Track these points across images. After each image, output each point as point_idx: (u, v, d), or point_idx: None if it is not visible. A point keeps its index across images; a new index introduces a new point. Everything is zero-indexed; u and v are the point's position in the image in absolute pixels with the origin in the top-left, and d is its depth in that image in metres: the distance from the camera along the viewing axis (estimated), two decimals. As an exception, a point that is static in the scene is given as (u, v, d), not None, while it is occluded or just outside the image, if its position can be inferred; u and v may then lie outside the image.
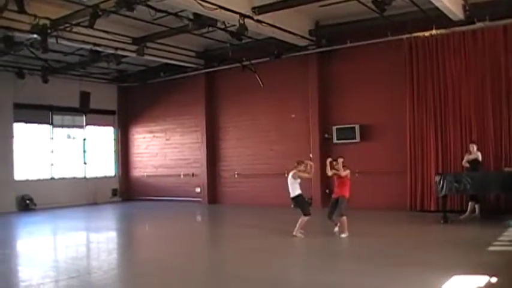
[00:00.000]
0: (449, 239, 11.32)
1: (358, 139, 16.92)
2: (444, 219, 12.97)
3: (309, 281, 7.98)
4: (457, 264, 8.53)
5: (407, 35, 15.54)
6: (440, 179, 13.13)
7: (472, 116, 14.74)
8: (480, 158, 13.54)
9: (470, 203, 13.79)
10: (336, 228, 11.71)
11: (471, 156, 13.58)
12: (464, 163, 13.76)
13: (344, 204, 11.61)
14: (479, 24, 14.34)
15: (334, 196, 11.97)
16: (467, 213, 13.75)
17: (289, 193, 12.08)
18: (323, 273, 8.34)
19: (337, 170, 11.91)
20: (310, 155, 17.65)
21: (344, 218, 11.51)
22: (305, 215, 11.75)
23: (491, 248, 9.87)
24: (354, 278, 8.01)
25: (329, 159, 12.32)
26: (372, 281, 7.74)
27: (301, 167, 12.14)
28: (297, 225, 11.72)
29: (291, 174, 12.07)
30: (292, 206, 12.39)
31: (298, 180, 11.97)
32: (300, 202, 11.92)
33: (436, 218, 13.43)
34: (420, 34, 15.39)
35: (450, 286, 7.10)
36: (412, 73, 15.69)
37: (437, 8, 13.25)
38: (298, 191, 11.89)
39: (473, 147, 13.68)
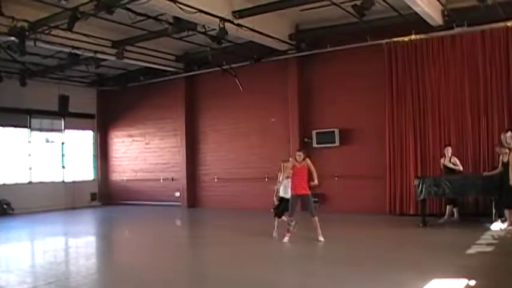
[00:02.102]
0: (428, 243, 11.38)
1: (337, 143, 16.98)
2: (423, 223, 13.05)
3: (287, 284, 7.97)
4: (436, 267, 8.57)
5: (387, 40, 15.65)
6: (419, 183, 13.21)
7: (451, 120, 14.88)
8: (458, 168, 13.68)
9: (448, 207, 13.92)
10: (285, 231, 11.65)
11: (450, 165, 13.70)
12: (445, 164, 13.87)
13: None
14: (457, 30, 14.48)
15: (296, 193, 11.46)
16: (445, 216, 13.87)
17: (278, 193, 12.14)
18: (301, 276, 8.34)
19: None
20: (290, 159, 17.64)
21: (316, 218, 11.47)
22: (291, 216, 11.57)
23: (469, 251, 9.92)
24: (333, 282, 7.99)
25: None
26: (350, 284, 7.75)
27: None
28: (291, 227, 11.54)
29: (286, 175, 11.84)
30: (275, 207, 12.16)
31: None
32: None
33: (415, 221, 13.50)
34: (399, 39, 15.50)
35: (429, 289, 7.14)
36: (391, 77, 15.78)
37: (416, 13, 13.38)
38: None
39: (448, 151, 13.82)
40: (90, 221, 19.35)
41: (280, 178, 12.12)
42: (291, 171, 11.60)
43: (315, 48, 17.08)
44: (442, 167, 13.98)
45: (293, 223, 11.63)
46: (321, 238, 11.33)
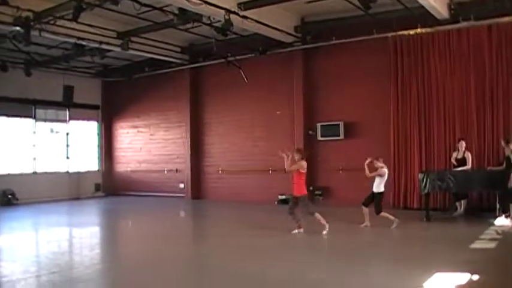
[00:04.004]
0: (431, 237, 11.40)
1: (342, 136, 16.94)
2: (427, 217, 13.04)
3: (291, 277, 7.97)
4: (439, 261, 8.57)
5: (392, 33, 15.57)
6: (423, 177, 13.19)
7: (456, 114, 14.84)
8: (469, 162, 13.58)
9: (462, 201, 13.90)
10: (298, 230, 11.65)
11: (459, 155, 13.68)
12: (453, 160, 13.86)
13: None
14: (464, 23, 14.41)
15: (302, 193, 11.60)
16: (461, 209, 13.89)
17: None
18: (306, 270, 8.34)
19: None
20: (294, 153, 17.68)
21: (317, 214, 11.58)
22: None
23: (473, 246, 9.92)
24: (338, 275, 7.99)
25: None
26: (354, 277, 7.75)
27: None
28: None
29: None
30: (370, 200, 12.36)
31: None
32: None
33: (419, 215, 13.50)
34: (405, 32, 15.42)
35: (432, 283, 7.13)
36: (396, 71, 15.74)
37: (422, 7, 13.32)
38: None
39: (462, 145, 13.74)
40: (94, 211, 19.37)
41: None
42: (298, 171, 11.59)
43: (321, 41, 17.01)
44: (454, 161, 13.90)
45: (396, 220, 12.09)
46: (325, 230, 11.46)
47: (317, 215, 11.53)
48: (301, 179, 11.60)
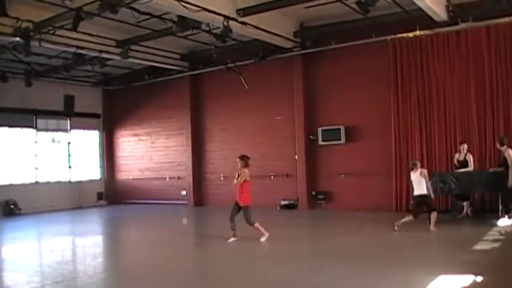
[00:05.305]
0: (434, 239, 11.39)
1: (343, 140, 16.93)
2: (429, 220, 12.99)
3: (296, 282, 7.96)
4: (443, 263, 8.57)
5: (392, 36, 15.61)
6: (425, 179, 13.17)
7: (457, 116, 14.85)
8: (471, 163, 13.56)
9: (465, 203, 13.89)
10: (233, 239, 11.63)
11: (461, 157, 13.68)
12: (455, 161, 13.87)
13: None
14: (462, 25, 14.43)
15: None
16: (465, 211, 13.88)
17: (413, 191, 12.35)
18: (309, 273, 8.33)
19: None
20: (296, 157, 17.71)
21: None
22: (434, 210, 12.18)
23: (476, 247, 9.91)
24: (341, 279, 7.99)
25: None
26: (358, 281, 7.74)
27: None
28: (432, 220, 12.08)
29: (418, 172, 12.11)
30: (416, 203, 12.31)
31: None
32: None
33: (422, 218, 13.45)
34: (404, 35, 15.46)
35: (436, 285, 7.12)
36: (396, 74, 15.76)
37: (420, 9, 13.34)
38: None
39: (464, 147, 13.72)
40: (97, 220, 19.38)
41: None
42: (245, 180, 11.67)
43: (320, 46, 17.04)
44: (456, 162, 13.91)
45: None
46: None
47: (257, 224, 11.51)
48: (245, 188, 11.62)
